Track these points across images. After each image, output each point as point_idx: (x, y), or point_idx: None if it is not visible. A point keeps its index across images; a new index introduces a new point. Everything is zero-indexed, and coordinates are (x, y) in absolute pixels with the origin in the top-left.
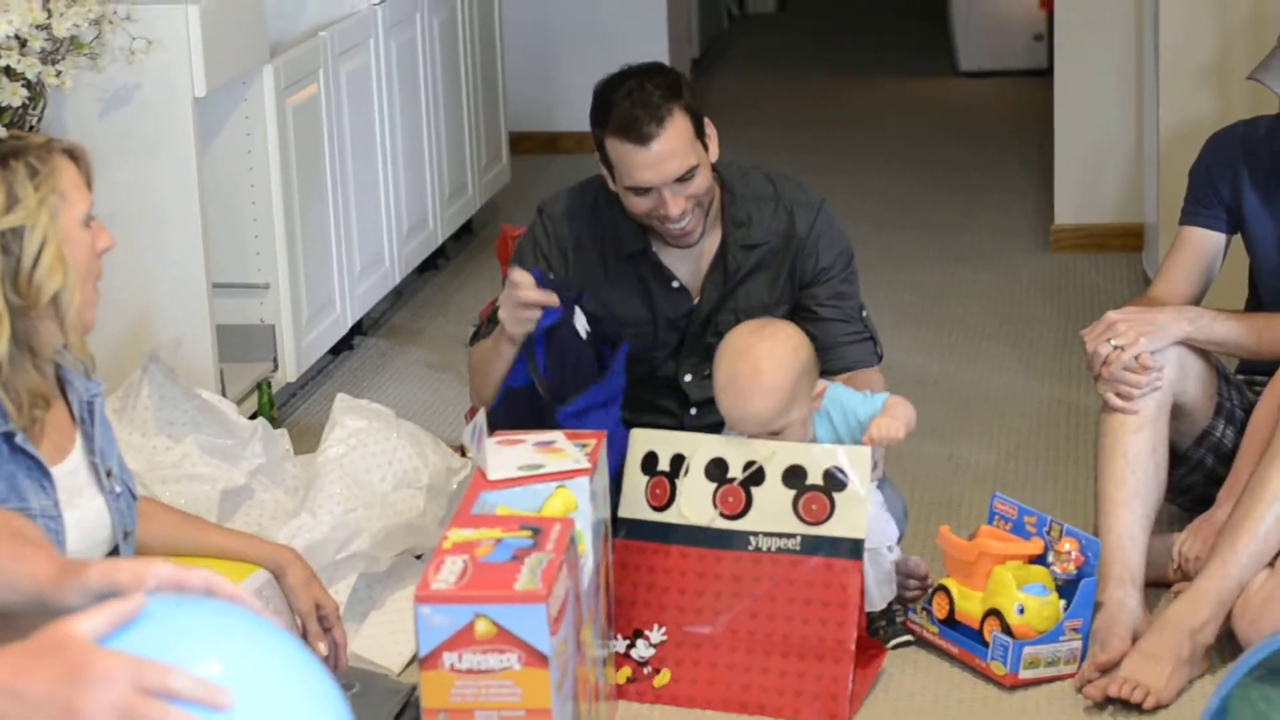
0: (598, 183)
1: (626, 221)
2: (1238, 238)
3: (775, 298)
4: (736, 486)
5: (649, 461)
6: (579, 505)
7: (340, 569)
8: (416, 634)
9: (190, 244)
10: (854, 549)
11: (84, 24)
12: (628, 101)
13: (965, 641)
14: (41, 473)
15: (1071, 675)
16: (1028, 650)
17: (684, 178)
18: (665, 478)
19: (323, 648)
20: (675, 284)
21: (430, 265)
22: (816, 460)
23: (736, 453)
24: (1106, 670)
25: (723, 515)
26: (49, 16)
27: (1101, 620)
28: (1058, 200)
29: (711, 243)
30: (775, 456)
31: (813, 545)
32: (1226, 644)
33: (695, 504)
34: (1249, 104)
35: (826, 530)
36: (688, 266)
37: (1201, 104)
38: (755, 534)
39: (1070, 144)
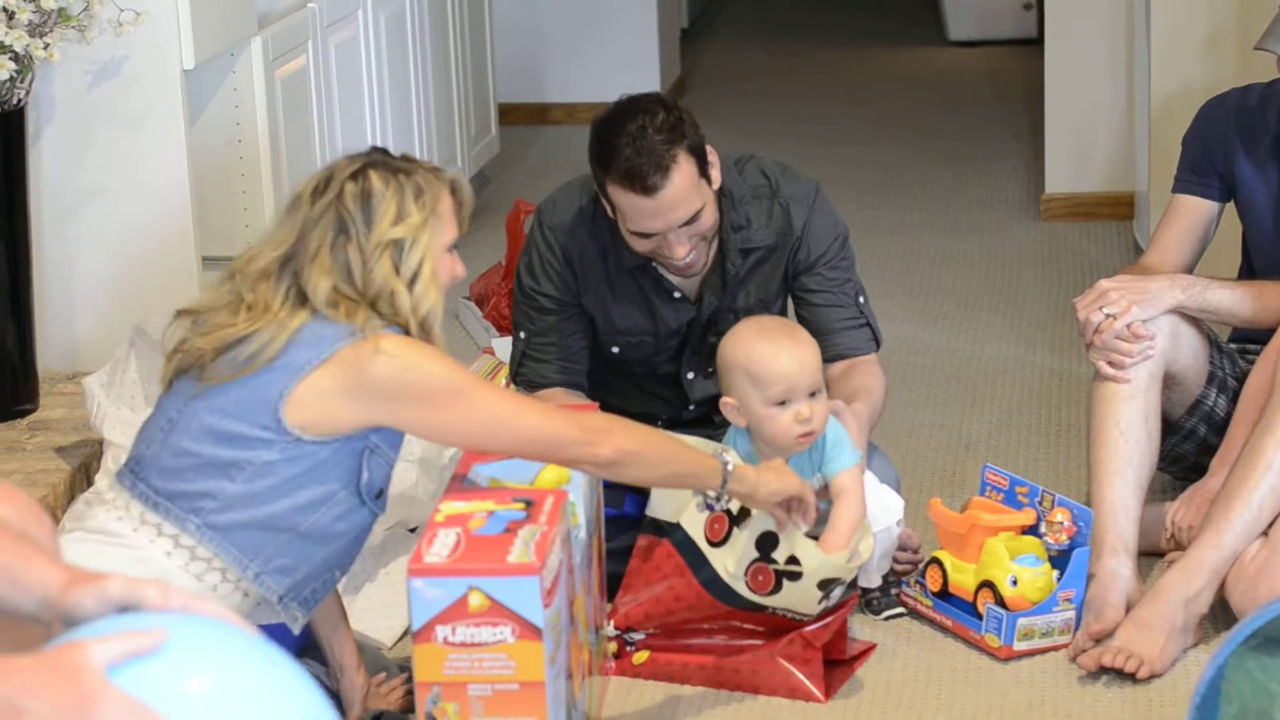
0: (593, 192)
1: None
2: (1231, 206)
3: (774, 294)
4: (771, 570)
5: None
6: (572, 476)
7: None
8: (409, 607)
9: (179, 217)
10: (851, 586)
11: None
12: (630, 149)
13: (959, 614)
14: None
15: (1065, 645)
16: (1022, 621)
17: (690, 220)
18: (729, 519)
19: None
20: (676, 294)
21: None
22: (851, 566)
23: (786, 541)
24: (1100, 640)
25: (748, 587)
26: None
27: (1095, 590)
28: (1048, 169)
29: (711, 248)
30: (819, 568)
31: (821, 613)
32: (1220, 614)
33: (735, 562)
34: (1240, 71)
35: (833, 599)
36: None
37: (1193, 72)
38: (774, 608)
39: (1061, 113)
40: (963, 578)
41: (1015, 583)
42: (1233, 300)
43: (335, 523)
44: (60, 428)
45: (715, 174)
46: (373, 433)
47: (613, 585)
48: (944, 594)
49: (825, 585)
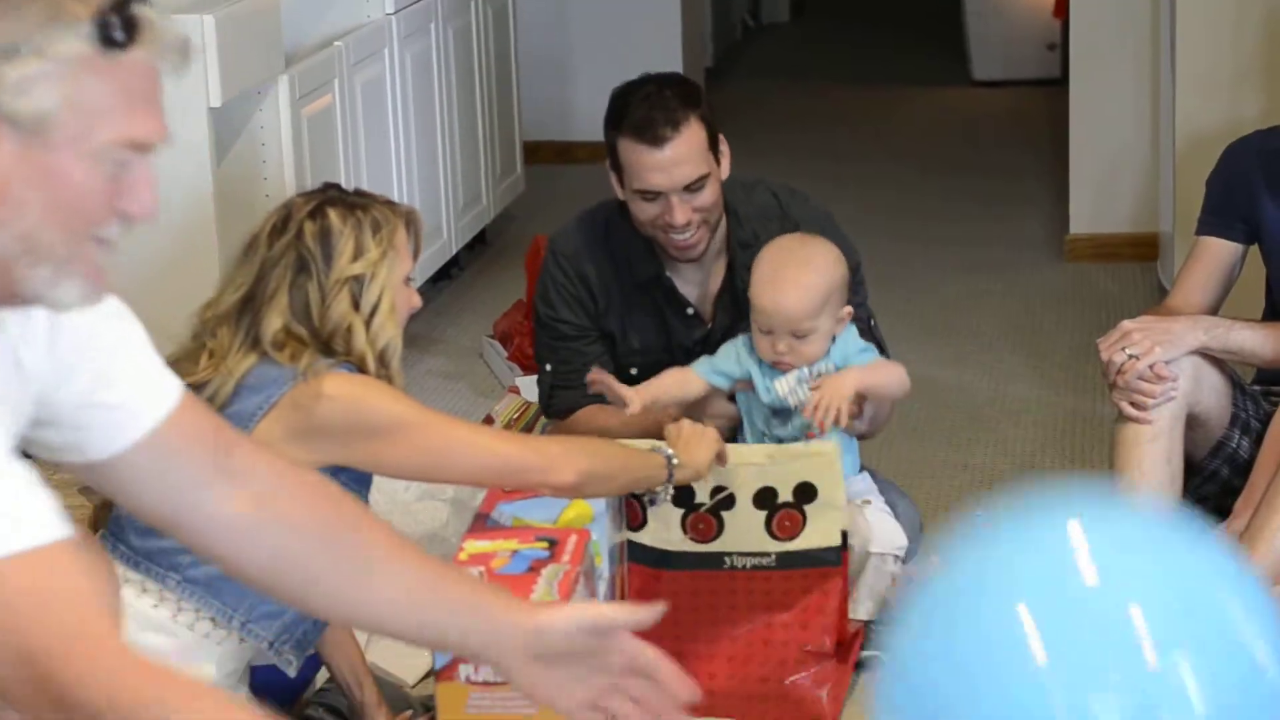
0: (606, 208)
1: (638, 246)
2: (1255, 248)
3: None
4: (705, 513)
5: None
6: (595, 516)
7: None
8: None
9: (205, 254)
10: (830, 556)
11: None
12: (645, 104)
13: None
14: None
15: None
16: None
17: (693, 187)
18: (636, 500)
19: None
20: (690, 310)
21: (444, 275)
22: (786, 477)
23: (701, 482)
24: None
25: (693, 540)
26: None
27: None
28: (1073, 209)
29: (720, 267)
30: (745, 481)
31: (788, 560)
32: None
33: (664, 529)
34: (1266, 112)
35: (800, 544)
36: (699, 291)
37: (1217, 113)
38: (729, 554)
39: (1085, 153)
40: None
41: None
42: (1256, 341)
43: None
44: None
45: (725, 163)
46: (340, 472)
47: None
48: None
49: (763, 501)
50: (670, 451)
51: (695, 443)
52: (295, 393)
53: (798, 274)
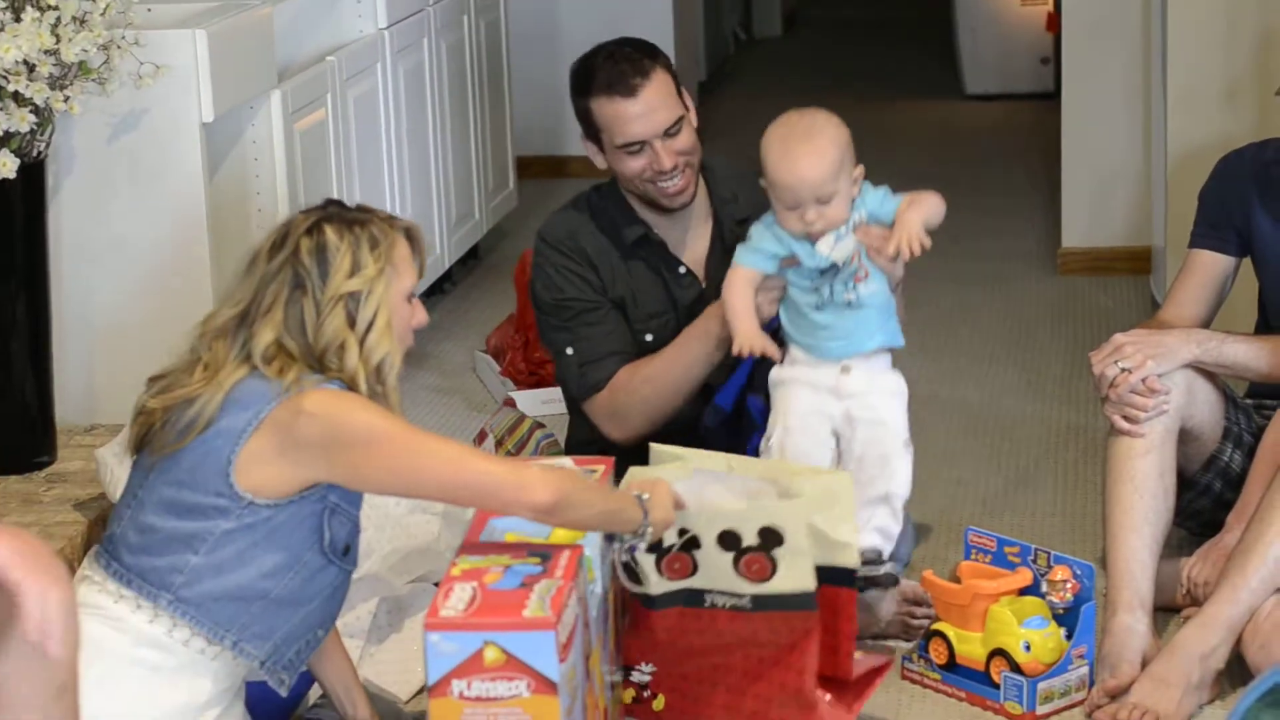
0: (582, 194)
1: (622, 212)
2: (1247, 260)
3: None
4: (678, 552)
5: None
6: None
7: (357, 590)
8: (425, 661)
9: (197, 269)
10: (805, 601)
11: (92, 49)
12: (610, 62)
13: (972, 685)
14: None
15: (1082, 701)
16: (1042, 686)
17: (671, 130)
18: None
19: None
20: (682, 269)
21: (437, 290)
22: (747, 521)
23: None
24: (1116, 696)
25: (670, 579)
26: (57, 42)
27: (1111, 645)
28: (1065, 223)
29: (706, 227)
30: (709, 523)
31: (763, 603)
32: (1236, 669)
33: (643, 573)
34: (1258, 124)
35: (773, 588)
36: (690, 251)
37: (1210, 126)
38: (708, 591)
39: (1078, 167)
40: (970, 648)
41: (1028, 648)
42: (1249, 355)
43: (305, 585)
44: (78, 480)
45: (692, 115)
46: (331, 492)
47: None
48: (951, 666)
49: (727, 543)
50: (641, 494)
51: (652, 491)
52: (279, 409)
53: (807, 142)
